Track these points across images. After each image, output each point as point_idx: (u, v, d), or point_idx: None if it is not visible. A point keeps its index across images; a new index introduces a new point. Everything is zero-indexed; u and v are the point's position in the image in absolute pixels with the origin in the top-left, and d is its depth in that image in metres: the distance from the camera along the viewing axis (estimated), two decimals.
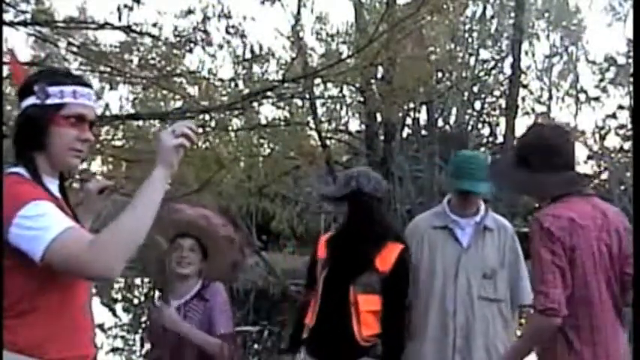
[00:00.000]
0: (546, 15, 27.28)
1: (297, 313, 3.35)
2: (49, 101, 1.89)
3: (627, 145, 20.60)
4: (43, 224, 1.73)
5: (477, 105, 21.16)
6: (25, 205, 1.75)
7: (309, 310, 3.20)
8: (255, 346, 11.64)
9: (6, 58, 1.88)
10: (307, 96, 9.84)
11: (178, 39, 6.52)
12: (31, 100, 1.90)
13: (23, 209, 1.74)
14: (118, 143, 8.41)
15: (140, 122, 8.93)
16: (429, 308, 3.34)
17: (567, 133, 2.83)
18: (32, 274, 1.78)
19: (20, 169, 1.89)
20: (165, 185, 1.85)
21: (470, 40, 18.75)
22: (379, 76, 9.82)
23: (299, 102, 10.85)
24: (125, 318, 14.10)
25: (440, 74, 15.33)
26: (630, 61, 24.65)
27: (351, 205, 3.18)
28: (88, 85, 1.98)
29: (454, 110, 20.26)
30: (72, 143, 1.92)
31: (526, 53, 25.15)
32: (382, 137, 13.75)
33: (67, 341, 1.87)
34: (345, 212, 3.24)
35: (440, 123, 19.83)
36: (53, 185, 1.95)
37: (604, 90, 29.83)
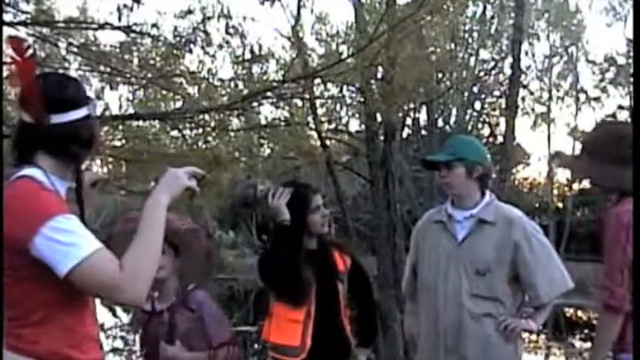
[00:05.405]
0: (546, 15, 27.30)
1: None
2: (94, 114, 1.95)
3: None
4: (73, 240, 1.73)
5: (477, 105, 21.16)
6: (54, 216, 1.74)
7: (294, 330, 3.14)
8: (256, 346, 11.63)
9: (7, 58, 1.85)
10: (307, 96, 9.82)
11: (178, 39, 6.51)
12: (82, 112, 1.90)
13: (52, 220, 1.73)
14: (118, 143, 8.40)
15: (140, 122, 8.93)
16: (424, 305, 3.28)
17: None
18: (50, 285, 1.77)
19: (34, 172, 1.85)
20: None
21: (470, 40, 18.73)
22: (379, 76, 9.78)
23: (299, 102, 10.82)
24: (125, 318, 14.10)
25: (440, 74, 15.30)
26: (630, 61, 24.67)
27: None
28: None
29: (454, 110, 20.24)
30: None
31: (526, 53, 25.23)
32: (382, 137, 13.71)
33: (84, 347, 1.87)
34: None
35: (440, 123, 19.82)
36: (62, 188, 1.94)
37: (604, 90, 29.86)
